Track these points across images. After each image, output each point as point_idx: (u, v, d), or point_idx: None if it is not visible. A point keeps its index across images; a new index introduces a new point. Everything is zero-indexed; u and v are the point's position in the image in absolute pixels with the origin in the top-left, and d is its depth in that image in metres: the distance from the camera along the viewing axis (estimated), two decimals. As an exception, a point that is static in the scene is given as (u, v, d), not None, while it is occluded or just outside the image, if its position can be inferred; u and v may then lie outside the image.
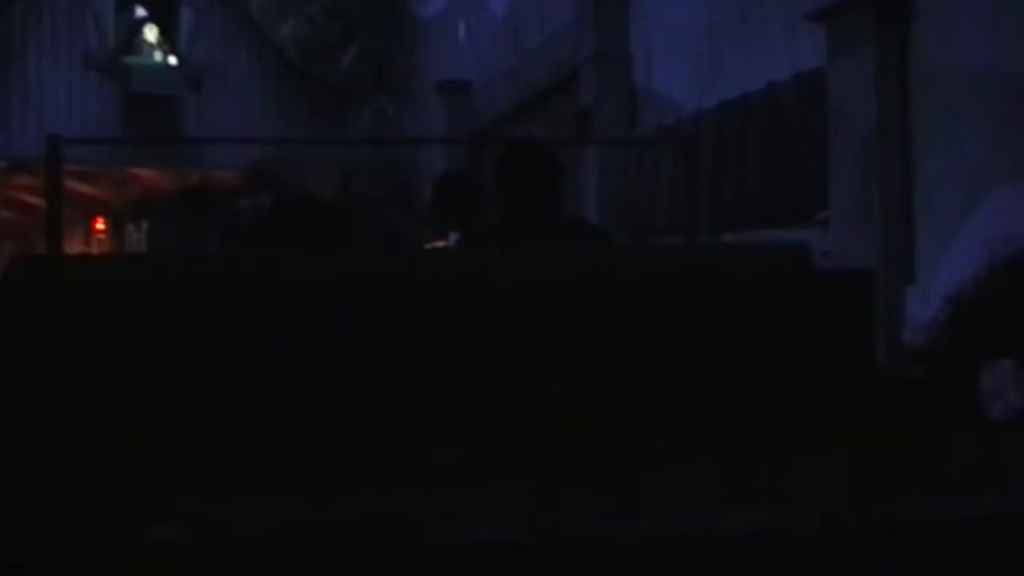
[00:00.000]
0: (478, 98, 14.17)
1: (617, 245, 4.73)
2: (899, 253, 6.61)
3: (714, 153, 8.68)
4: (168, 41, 17.11)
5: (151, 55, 17.06)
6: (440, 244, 4.21)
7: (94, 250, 18.08)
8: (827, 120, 7.20)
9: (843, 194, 7.06)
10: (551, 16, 12.01)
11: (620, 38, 10.75)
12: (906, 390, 2.84)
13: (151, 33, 17.08)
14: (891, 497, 2.34)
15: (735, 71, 8.75)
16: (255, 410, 2.12)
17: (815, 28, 7.26)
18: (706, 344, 2.33)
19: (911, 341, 5.83)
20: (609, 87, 10.70)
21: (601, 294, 2.31)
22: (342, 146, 15.10)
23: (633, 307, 2.32)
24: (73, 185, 14.74)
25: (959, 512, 1.93)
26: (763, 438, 2.29)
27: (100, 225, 19.45)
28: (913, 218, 6.65)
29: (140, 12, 17.09)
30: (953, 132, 6.34)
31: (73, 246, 17.11)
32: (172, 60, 17.09)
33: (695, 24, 9.53)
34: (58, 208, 3.76)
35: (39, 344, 2.12)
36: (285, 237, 3.47)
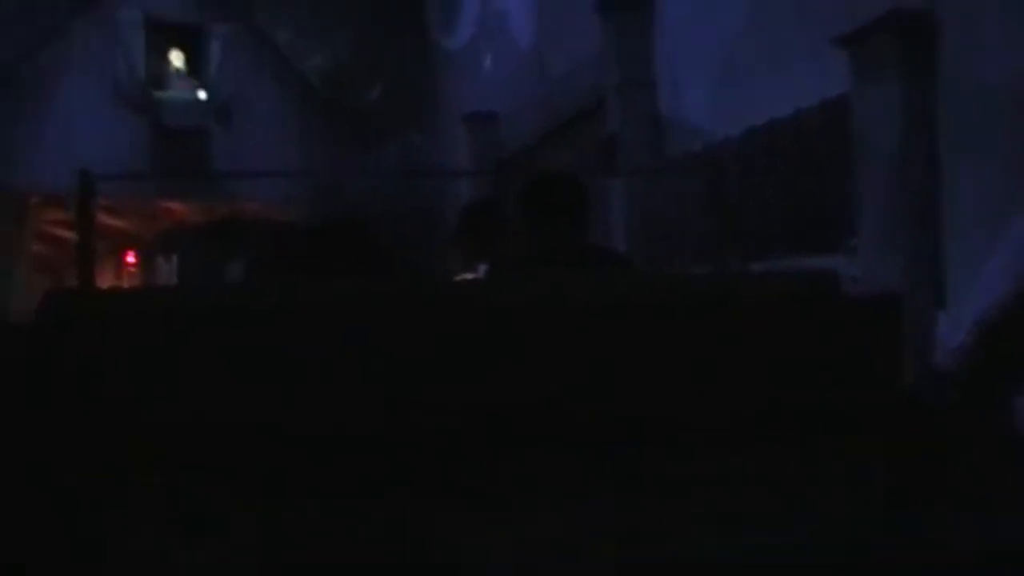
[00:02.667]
0: (504, 127, 14.22)
1: (649, 272, 4.72)
2: (928, 278, 6.57)
3: (741, 180, 8.67)
4: (196, 75, 17.28)
5: (180, 89, 17.22)
6: (469, 276, 4.21)
7: (125, 283, 18.18)
8: (854, 146, 7.18)
9: (871, 220, 7.04)
10: (576, 45, 12.05)
11: (645, 66, 10.78)
12: (934, 413, 2.83)
13: (179, 63, 17.25)
14: (918, 521, 2.32)
15: (761, 98, 8.75)
16: (286, 437, 2.12)
17: (840, 54, 7.25)
18: (733, 369, 2.32)
19: (942, 365, 5.78)
20: (635, 115, 10.72)
21: (631, 321, 2.30)
22: (369, 178, 15.17)
23: (661, 333, 2.31)
24: (103, 219, 14.80)
25: (987, 534, 1.92)
26: (791, 463, 2.28)
27: (131, 258, 19.54)
28: (943, 242, 6.61)
29: (170, 48, 17.28)
30: (981, 156, 6.31)
31: (104, 279, 17.19)
32: (201, 94, 17.25)
33: (720, 51, 9.54)
34: (89, 242, 3.77)
35: (75, 377, 2.11)
36: (321, 263, 3.50)
